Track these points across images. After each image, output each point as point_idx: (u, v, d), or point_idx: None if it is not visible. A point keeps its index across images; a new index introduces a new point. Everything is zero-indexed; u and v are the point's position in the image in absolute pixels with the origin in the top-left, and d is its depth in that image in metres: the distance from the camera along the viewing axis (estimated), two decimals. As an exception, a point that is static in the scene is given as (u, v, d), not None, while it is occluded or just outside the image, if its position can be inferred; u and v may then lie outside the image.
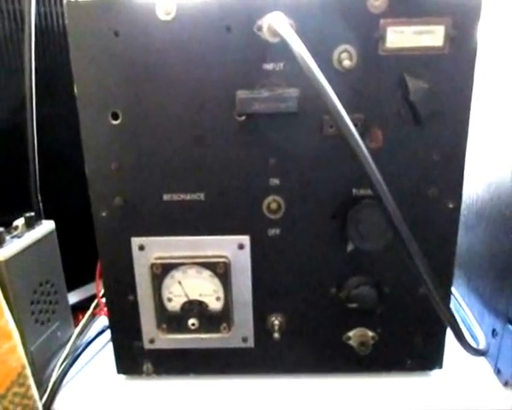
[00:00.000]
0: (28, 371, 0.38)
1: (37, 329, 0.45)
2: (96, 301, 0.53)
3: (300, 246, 0.40)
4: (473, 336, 0.46)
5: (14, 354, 0.37)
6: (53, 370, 0.46)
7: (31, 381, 0.39)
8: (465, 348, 0.33)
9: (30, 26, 0.44)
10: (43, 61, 0.51)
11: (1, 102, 0.50)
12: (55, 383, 0.45)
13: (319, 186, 0.39)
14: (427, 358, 0.44)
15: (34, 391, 0.39)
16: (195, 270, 0.41)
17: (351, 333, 0.43)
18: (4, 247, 0.41)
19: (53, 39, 0.52)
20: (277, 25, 0.31)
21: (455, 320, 0.30)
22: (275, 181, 0.39)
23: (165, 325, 0.42)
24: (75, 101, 0.37)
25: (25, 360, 0.38)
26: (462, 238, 0.49)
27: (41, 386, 0.43)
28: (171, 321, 0.42)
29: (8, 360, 0.36)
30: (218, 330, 0.42)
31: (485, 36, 0.42)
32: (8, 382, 0.37)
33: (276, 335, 0.42)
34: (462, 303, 0.50)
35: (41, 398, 0.42)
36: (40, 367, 0.45)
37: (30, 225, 0.46)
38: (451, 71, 0.35)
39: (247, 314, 0.42)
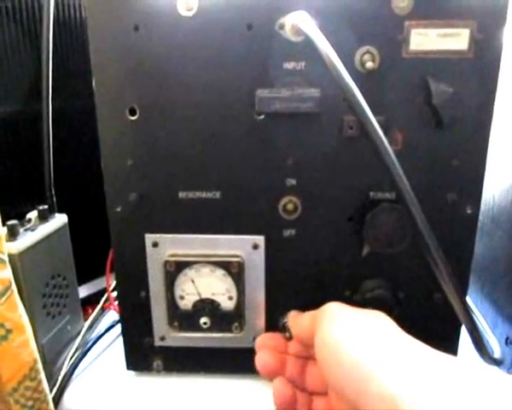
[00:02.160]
0: (40, 366, 0.38)
1: (48, 322, 0.45)
2: (106, 296, 0.53)
3: (315, 248, 0.40)
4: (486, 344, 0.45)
5: (27, 348, 0.37)
6: (63, 364, 0.46)
7: (42, 375, 0.39)
8: (482, 356, 0.32)
9: (48, 17, 0.44)
10: (60, 54, 0.50)
11: (17, 94, 0.50)
12: (64, 376, 0.45)
13: (336, 188, 0.38)
14: (439, 364, 0.43)
15: (45, 385, 0.39)
16: (209, 269, 0.41)
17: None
18: (18, 239, 0.41)
19: (71, 31, 0.52)
20: (302, 23, 0.30)
21: (476, 328, 0.29)
22: (292, 181, 0.38)
23: (176, 323, 0.42)
24: (91, 94, 0.37)
25: (37, 355, 0.38)
26: (477, 244, 0.48)
27: (51, 379, 0.43)
28: (183, 319, 0.42)
29: (21, 354, 0.36)
30: (229, 330, 0.42)
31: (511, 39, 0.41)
32: (20, 376, 0.37)
33: (288, 335, 0.42)
34: (475, 310, 0.50)
35: (50, 391, 0.42)
36: (50, 361, 0.45)
37: (43, 217, 0.45)
38: (475, 75, 0.35)
39: (260, 315, 0.42)
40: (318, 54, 0.29)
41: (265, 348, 0.38)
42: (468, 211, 0.38)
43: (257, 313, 0.42)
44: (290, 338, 0.41)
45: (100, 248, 0.49)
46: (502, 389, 0.21)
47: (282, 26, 0.34)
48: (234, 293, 0.41)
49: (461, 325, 0.41)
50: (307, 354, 0.36)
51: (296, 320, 0.36)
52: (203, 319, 0.42)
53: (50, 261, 0.45)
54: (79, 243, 0.51)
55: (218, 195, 0.39)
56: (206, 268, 0.41)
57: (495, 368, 0.44)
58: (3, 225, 0.41)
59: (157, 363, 0.44)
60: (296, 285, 0.41)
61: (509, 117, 0.45)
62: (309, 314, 0.34)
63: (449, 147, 0.37)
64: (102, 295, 0.54)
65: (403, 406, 0.22)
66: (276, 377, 0.35)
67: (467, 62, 0.35)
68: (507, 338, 0.43)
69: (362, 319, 0.29)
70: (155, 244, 0.40)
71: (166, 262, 0.40)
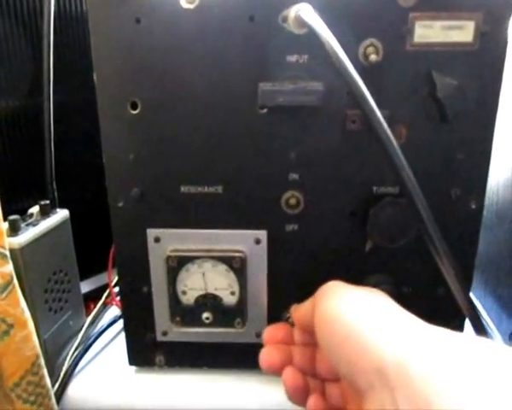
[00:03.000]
0: (42, 361, 0.38)
1: (50, 318, 0.45)
2: (108, 291, 0.53)
3: (318, 243, 0.40)
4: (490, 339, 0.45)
5: (29, 343, 0.36)
6: (65, 359, 0.46)
7: (44, 370, 0.39)
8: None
9: (49, 10, 0.43)
10: (61, 47, 0.50)
11: (18, 88, 0.50)
12: (66, 372, 0.45)
13: (339, 182, 0.38)
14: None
15: (47, 380, 0.39)
16: (211, 264, 0.40)
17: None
18: (19, 234, 0.41)
19: (72, 25, 0.51)
20: (306, 15, 0.30)
21: (480, 323, 0.29)
22: (294, 176, 0.38)
23: (178, 318, 0.42)
24: (92, 88, 0.37)
25: (39, 350, 0.38)
26: (480, 239, 0.48)
27: (53, 375, 0.43)
28: (185, 314, 0.42)
29: (23, 349, 0.36)
30: (232, 325, 0.42)
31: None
32: (22, 371, 0.37)
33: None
34: (479, 306, 0.49)
35: (53, 386, 0.42)
36: (52, 356, 0.45)
37: (45, 213, 0.45)
38: (480, 68, 0.35)
39: (262, 310, 0.42)
40: (322, 46, 0.29)
41: (273, 341, 0.37)
42: (473, 206, 0.38)
43: (259, 308, 0.42)
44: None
45: (102, 244, 0.49)
46: (505, 360, 0.20)
47: (284, 19, 0.34)
48: (236, 288, 0.41)
49: (464, 321, 0.41)
50: (314, 341, 0.36)
51: (297, 307, 0.36)
52: (205, 314, 0.42)
53: (52, 256, 0.45)
54: (81, 239, 0.50)
55: (220, 189, 0.39)
56: (209, 263, 0.40)
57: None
58: (5, 220, 0.41)
59: (159, 358, 0.44)
60: (298, 280, 0.41)
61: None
62: (309, 299, 0.34)
63: (453, 141, 0.36)
64: (104, 291, 0.54)
65: (393, 378, 0.21)
66: (282, 371, 0.35)
67: (472, 55, 0.34)
68: (511, 334, 0.43)
69: (360, 294, 0.29)
70: (157, 239, 0.40)
71: (168, 257, 0.40)
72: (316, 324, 0.29)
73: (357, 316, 0.26)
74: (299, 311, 0.35)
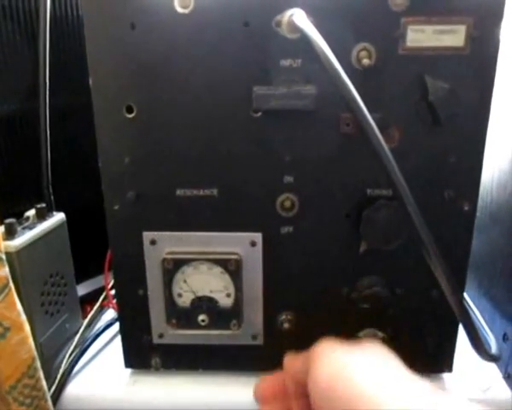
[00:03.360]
0: (38, 364, 0.38)
1: (46, 320, 0.45)
2: (104, 294, 0.54)
3: (313, 245, 0.40)
4: (483, 341, 0.45)
5: (25, 346, 0.37)
6: (61, 362, 0.46)
7: (40, 373, 0.39)
8: (479, 352, 0.32)
9: (45, 15, 0.44)
10: (57, 52, 0.50)
11: (14, 92, 0.50)
12: (63, 374, 0.45)
13: (334, 185, 0.38)
14: (436, 361, 0.44)
15: (43, 383, 0.39)
16: (206, 266, 0.41)
17: (361, 333, 0.42)
18: (16, 238, 0.41)
19: (68, 29, 0.51)
20: (298, 20, 0.30)
21: (472, 325, 0.29)
22: (289, 179, 0.38)
23: (174, 321, 0.42)
24: (88, 92, 0.37)
25: (35, 353, 0.38)
26: (474, 240, 0.48)
27: (49, 377, 0.43)
28: (181, 316, 0.42)
29: (19, 352, 0.36)
30: (227, 327, 0.42)
31: (508, 36, 0.41)
32: (18, 373, 0.37)
33: (286, 333, 0.42)
34: (473, 306, 0.50)
35: (49, 389, 0.42)
36: (49, 359, 0.45)
37: (41, 216, 0.45)
38: (472, 72, 0.35)
39: (258, 312, 0.42)
40: (314, 51, 0.29)
41: (268, 399, 0.36)
42: (466, 207, 0.38)
43: (255, 309, 0.42)
44: (289, 336, 0.41)
45: (98, 247, 0.49)
46: None
47: (278, 24, 0.34)
48: (232, 290, 0.41)
49: (458, 323, 0.41)
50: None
51: (291, 362, 0.35)
52: (201, 317, 0.42)
53: (48, 259, 0.45)
54: (77, 241, 0.50)
55: (215, 192, 0.39)
56: (204, 266, 0.41)
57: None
58: (1, 223, 0.42)
59: (155, 360, 0.44)
60: (294, 282, 0.41)
61: (506, 113, 0.45)
62: (303, 354, 0.33)
63: (446, 144, 0.37)
64: (101, 294, 0.54)
65: None
66: None
67: (463, 59, 0.35)
68: (504, 334, 0.43)
69: (356, 357, 0.27)
70: (153, 242, 0.40)
71: (164, 260, 0.40)
72: (311, 389, 0.28)
73: (356, 384, 0.25)
74: (292, 368, 0.33)
